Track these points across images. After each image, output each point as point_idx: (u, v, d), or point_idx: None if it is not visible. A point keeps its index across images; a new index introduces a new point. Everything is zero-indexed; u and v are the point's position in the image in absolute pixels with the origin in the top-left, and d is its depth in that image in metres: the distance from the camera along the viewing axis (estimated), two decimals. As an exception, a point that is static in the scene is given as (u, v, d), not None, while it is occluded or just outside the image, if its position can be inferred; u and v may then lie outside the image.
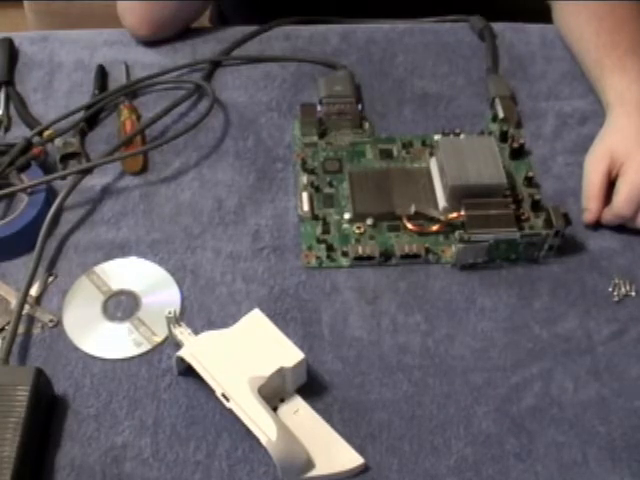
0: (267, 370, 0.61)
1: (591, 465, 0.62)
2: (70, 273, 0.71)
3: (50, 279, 0.71)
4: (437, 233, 0.73)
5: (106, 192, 0.77)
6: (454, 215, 0.72)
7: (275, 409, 0.63)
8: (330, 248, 0.73)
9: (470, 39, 0.91)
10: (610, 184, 0.75)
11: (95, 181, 0.77)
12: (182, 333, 0.65)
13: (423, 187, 0.76)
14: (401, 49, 0.90)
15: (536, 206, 0.75)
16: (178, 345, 0.65)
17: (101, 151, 0.79)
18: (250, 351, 0.63)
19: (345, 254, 0.72)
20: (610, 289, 0.71)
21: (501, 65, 0.88)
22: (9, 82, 0.85)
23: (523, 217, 0.74)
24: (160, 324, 0.67)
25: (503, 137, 0.80)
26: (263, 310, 0.65)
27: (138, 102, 0.84)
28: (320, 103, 0.81)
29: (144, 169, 0.79)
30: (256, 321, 0.65)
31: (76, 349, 0.67)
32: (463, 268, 0.72)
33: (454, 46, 0.90)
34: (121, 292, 0.71)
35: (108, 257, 0.73)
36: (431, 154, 0.78)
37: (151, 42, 0.89)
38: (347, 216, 0.74)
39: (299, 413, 0.63)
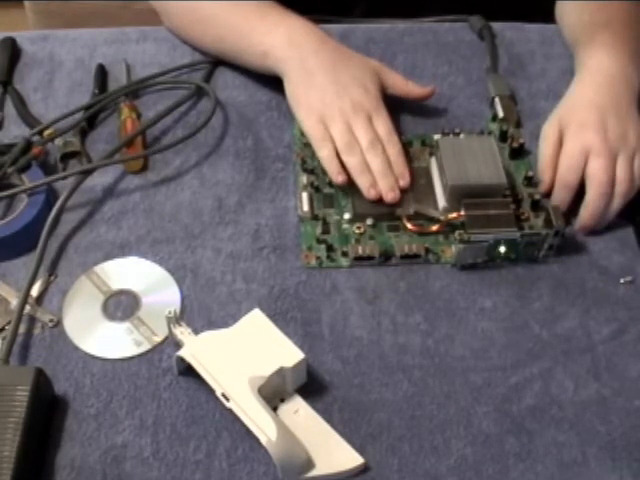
0: (267, 370, 0.61)
1: (591, 465, 0.62)
2: (70, 273, 0.71)
3: (50, 279, 0.71)
4: (437, 233, 0.73)
5: (106, 192, 0.77)
6: (454, 215, 0.72)
7: (275, 409, 0.63)
8: (330, 248, 0.73)
9: (470, 39, 0.91)
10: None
11: (95, 181, 0.77)
12: (182, 333, 0.65)
13: (423, 187, 0.76)
14: (401, 49, 0.90)
15: (536, 206, 0.75)
16: (178, 345, 0.65)
17: (102, 150, 0.79)
18: (250, 351, 0.63)
19: (345, 254, 0.72)
20: (610, 288, 0.72)
21: (501, 64, 0.88)
22: (9, 82, 0.85)
23: (523, 217, 0.74)
24: (160, 324, 0.67)
25: (503, 137, 0.80)
26: (263, 310, 0.65)
27: (138, 101, 0.84)
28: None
29: (144, 168, 0.79)
30: (256, 321, 0.65)
31: (76, 349, 0.67)
32: (463, 268, 0.72)
33: (454, 46, 0.90)
34: (121, 292, 0.71)
35: (108, 257, 0.73)
36: (431, 154, 0.78)
37: (150, 41, 0.89)
38: (347, 216, 0.74)
39: (299, 413, 0.63)
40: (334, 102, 0.76)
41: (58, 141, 0.78)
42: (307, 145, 0.79)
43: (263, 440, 0.59)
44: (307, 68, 0.78)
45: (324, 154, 0.75)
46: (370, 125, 0.76)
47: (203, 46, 0.87)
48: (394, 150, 0.76)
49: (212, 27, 0.84)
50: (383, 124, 0.77)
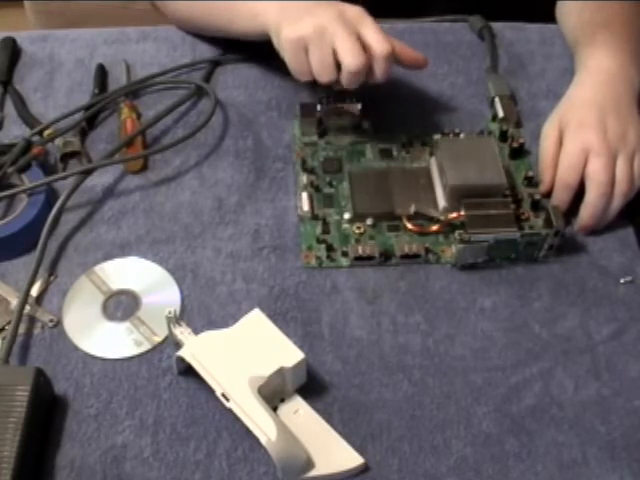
0: (267, 370, 0.61)
1: (591, 465, 0.62)
2: (70, 273, 0.71)
3: (50, 279, 0.71)
4: (437, 233, 0.73)
5: (106, 192, 0.77)
6: (454, 215, 0.72)
7: (275, 409, 0.63)
8: (330, 248, 0.73)
9: (470, 39, 0.91)
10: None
11: (95, 181, 0.77)
12: (182, 333, 0.65)
13: (423, 187, 0.76)
14: (401, 49, 0.89)
15: (536, 206, 0.75)
16: (178, 345, 0.65)
17: (102, 150, 0.79)
18: (250, 351, 0.63)
19: (345, 254, 0.72)
20: (610, 288, 0.72)
21: (500, 64, 0.89)
22: (9, 82, 0.85)
23: (523, 217, 0.74)
24: (160, 324, 0.67)
25: (503, 137, 0.80)
26: (263, 310, 0.65)
27: (139, 101, 0.84)
28: (320, 102, 0.81)
29: (144, 168, 0.79)
30: (256, 321, 0.64)
31: (76, 349, 0.67)
32: (463, 268, 0.72)
33: (454, 46, 0.90)
34: (121, 292, 0.71)
35: (108, 257, 0.73)
36: (431, 154, 0.78)
37: (150, 41, 0.89)
38: (347, 216, 0.74)
39: (299, 413, 0.63)
40: (310, 19, 0.71)
41: (58, 141, 0.78)
42: (307, 145, 0.79)
43: (263, 440, 0.59)
44: (296, 20, 0.73)
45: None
46: (354, 36, 0.70)
47: (193, 24, 0.87)
48: (385, 46, 0.71)
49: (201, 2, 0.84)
50: (372, 29, 0.71)
